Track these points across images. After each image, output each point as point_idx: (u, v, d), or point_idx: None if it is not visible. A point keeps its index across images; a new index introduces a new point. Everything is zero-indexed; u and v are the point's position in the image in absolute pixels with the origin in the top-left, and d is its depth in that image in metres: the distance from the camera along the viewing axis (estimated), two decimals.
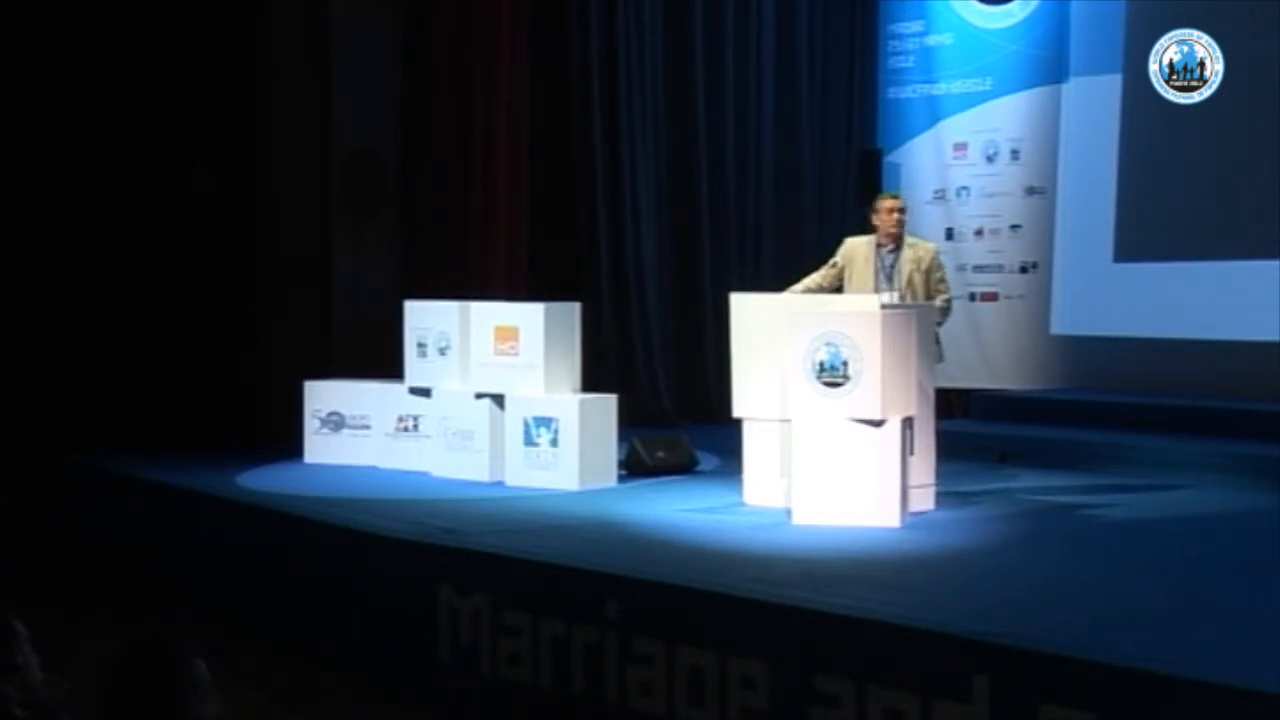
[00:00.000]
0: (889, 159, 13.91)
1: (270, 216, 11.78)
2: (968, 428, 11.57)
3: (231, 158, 11.64)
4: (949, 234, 13.49)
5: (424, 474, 9.95)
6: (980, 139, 13.51)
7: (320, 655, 8.08)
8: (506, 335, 9.67)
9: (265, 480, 9.82)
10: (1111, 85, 12.64)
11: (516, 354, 9.61)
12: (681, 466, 10.07)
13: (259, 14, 11.71)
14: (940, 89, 13.83)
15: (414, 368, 10.21)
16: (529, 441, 9.49)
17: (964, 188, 13.60)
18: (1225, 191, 11.99)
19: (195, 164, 11.46)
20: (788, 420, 8.26)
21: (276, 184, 11.78)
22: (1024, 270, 13.24)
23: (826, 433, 8.02)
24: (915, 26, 14.07)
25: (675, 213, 13.45)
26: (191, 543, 9.44)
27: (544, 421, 9.45)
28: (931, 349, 8.66)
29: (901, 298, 8.87)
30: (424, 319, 10.17)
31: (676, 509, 8.64)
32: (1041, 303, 13.12)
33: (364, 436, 10.41)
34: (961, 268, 13.32)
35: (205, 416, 11.10)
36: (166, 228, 11.36)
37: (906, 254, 9.16)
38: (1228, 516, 8.81)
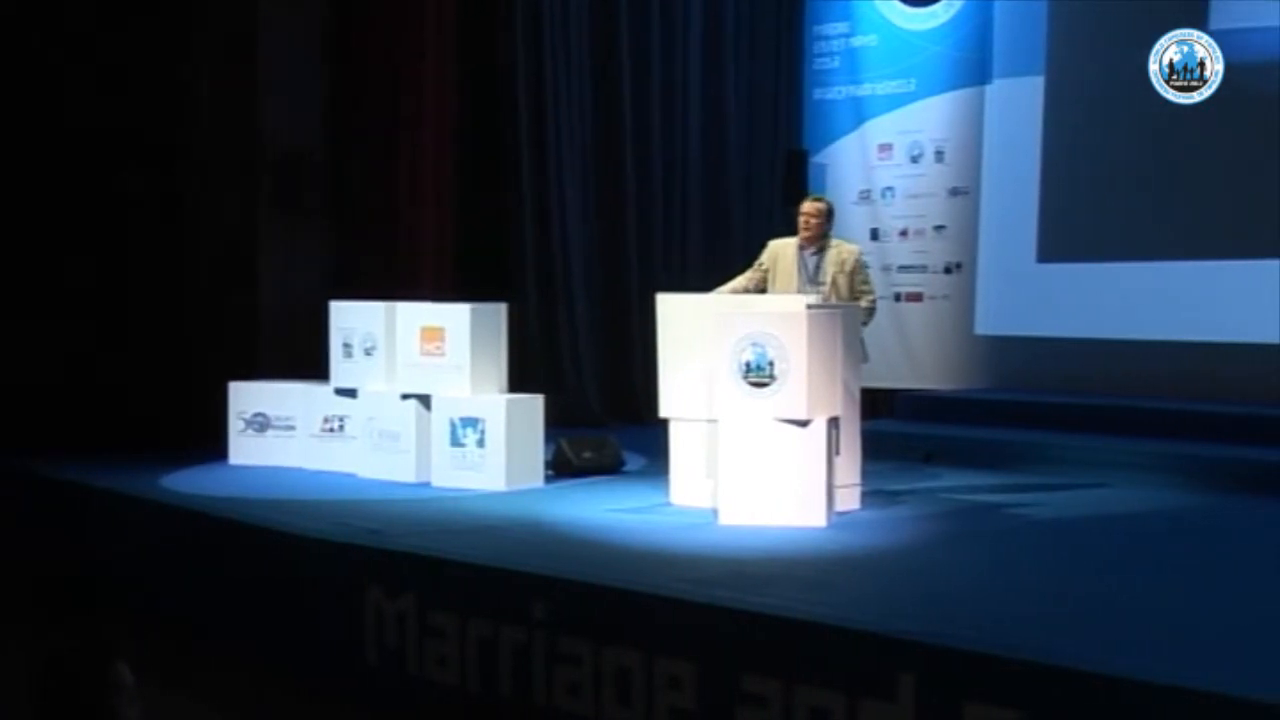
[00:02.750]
0: (815, 160, 13.97)
1: (198, 217, 11.68)
2: (893, 428, 11.62)
3: (160, 158, 11.52)
4: (874, 234, 13.57)
5: (350, 475, 9.91)
6: (905, 140, 13.58)
7: (247, 657, 8.03)
8: (433, 336, 9.65)
9: (190, 482, 9.74)
10: (1034, 87, 12.75)
11: (443, 354, 9.59)
12: (608, 467, 10.08)
13: (187, 14, 11.62)
14: (865, 90, 13.91)
15: (339, 368, 10.17)
16: (455, 442, 9.47)
17: (889, 188, 13.67)
18: (1145, 193, 12.10)
19: (124, 165, 11.35)
20: (714, 420, 8.28)
21: (205, 185, 11.69)
22: (948, 271, 13.31)
23: (752, 433, 8.05)
24: (840, 28, 14.13)
25: (602, 213, 13.45)
26: (116, 545, 9.36)
27: (470, 422, 9.43)
28: (857, 349, 8.70)
29: (825, 298, 8.89)
30: (350, 319, 10.14)
31: (603, 509, 8.65)
32: (966, 303, 13.21)
33: (289, 437, 10.36)
34: (886, 268, 13.39)
35: (132, 418, 10.98)
36: (94, 228, 11.25)
37: (830, 255, 9.16)
38: (1149, 515, 8.90)
